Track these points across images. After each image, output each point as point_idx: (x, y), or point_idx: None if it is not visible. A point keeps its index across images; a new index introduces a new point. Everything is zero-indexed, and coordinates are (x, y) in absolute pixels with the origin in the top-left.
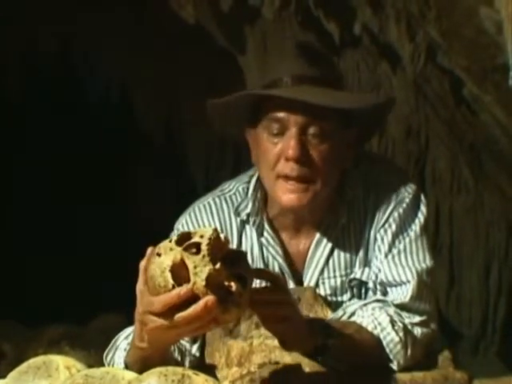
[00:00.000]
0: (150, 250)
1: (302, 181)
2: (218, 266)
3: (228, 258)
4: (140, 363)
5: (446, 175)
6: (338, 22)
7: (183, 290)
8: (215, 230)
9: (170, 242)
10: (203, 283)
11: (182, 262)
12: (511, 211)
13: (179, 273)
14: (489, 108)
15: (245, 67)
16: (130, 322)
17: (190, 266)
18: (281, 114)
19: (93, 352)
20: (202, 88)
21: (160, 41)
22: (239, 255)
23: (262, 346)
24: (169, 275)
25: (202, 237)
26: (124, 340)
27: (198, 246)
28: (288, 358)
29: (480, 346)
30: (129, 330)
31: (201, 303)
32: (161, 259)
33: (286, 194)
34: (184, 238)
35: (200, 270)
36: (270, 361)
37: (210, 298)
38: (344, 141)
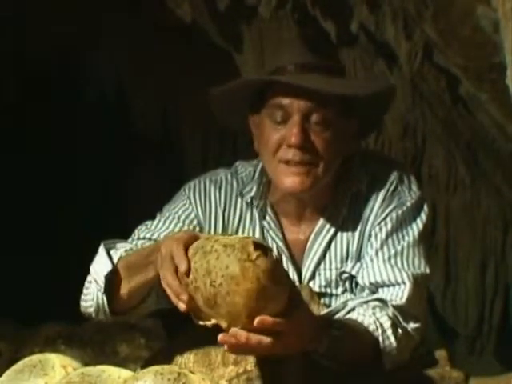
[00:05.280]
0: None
1: (303, 165)
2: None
3: None
4: (136, 269)
5: (442, 173)
6: (335, 20)
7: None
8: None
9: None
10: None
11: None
12: (507, 209)
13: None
14: (485, 107)
15: (241, 66)
16: (125, 320)
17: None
18: (284, 101)
19: (89, 350)
20: (199, 87)
21: (157, 40)
22: None
23: None
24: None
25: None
26: (123, 248)
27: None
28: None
29: (476, 345)
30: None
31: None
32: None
33: (289, 178)
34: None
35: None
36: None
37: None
38: (346, 130)
